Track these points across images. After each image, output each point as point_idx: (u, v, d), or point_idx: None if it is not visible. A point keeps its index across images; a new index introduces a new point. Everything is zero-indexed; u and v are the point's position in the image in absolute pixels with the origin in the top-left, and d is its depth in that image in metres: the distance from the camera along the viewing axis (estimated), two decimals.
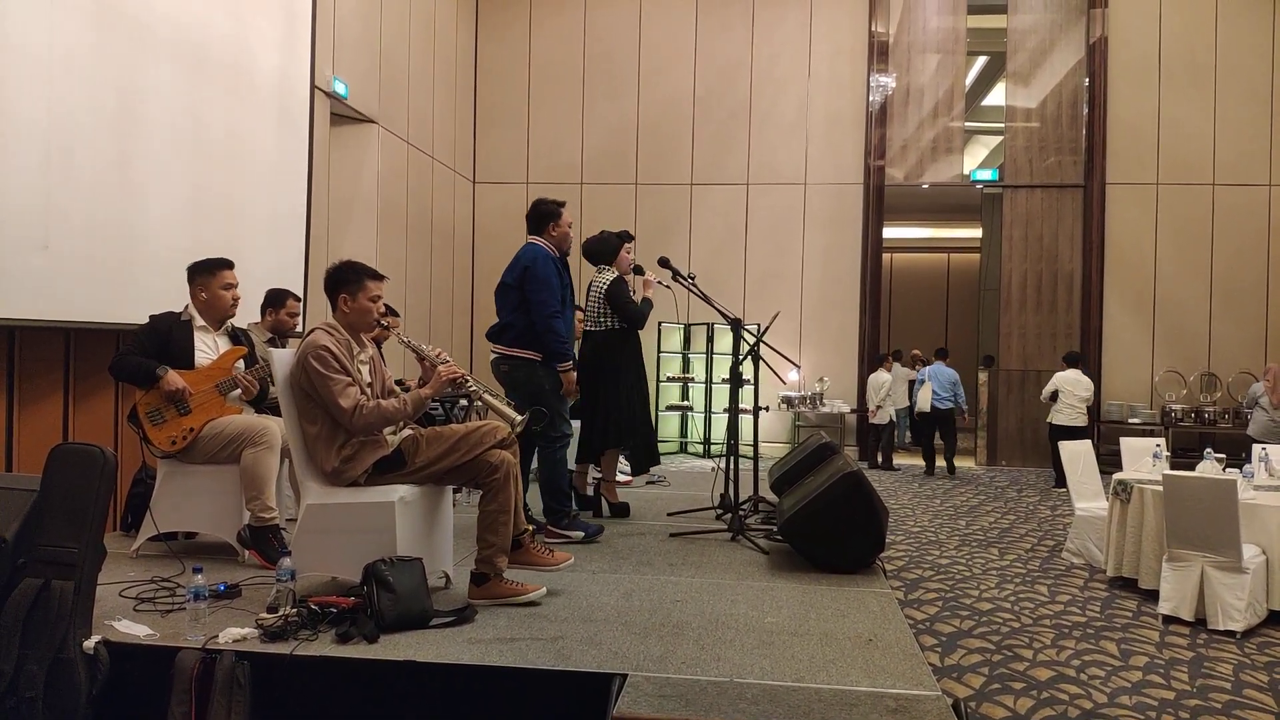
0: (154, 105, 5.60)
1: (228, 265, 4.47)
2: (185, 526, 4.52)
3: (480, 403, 3.72)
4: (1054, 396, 9.99)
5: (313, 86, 7.53)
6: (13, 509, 3.18)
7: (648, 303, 5.49)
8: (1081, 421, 9.88)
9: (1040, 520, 8.11)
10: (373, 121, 9.26)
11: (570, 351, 4.91)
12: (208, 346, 4.41)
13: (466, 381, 3.69)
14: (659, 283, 5.57)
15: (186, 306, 4.46)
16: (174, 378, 4.17)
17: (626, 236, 5.64)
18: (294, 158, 7.29)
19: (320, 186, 7.99)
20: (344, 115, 8.88)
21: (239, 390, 4.39)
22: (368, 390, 3.63)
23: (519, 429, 3.63)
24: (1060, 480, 9.79)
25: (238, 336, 4.58)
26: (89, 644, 3.00)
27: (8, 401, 5.01)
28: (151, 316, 4.43)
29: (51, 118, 4.82)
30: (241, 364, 4.46)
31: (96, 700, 2.98)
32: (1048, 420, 10.18)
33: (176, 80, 5.78)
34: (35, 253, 4.77)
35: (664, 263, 5.46)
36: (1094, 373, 11.71)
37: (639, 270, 5.60)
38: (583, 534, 4.81)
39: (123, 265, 5.40)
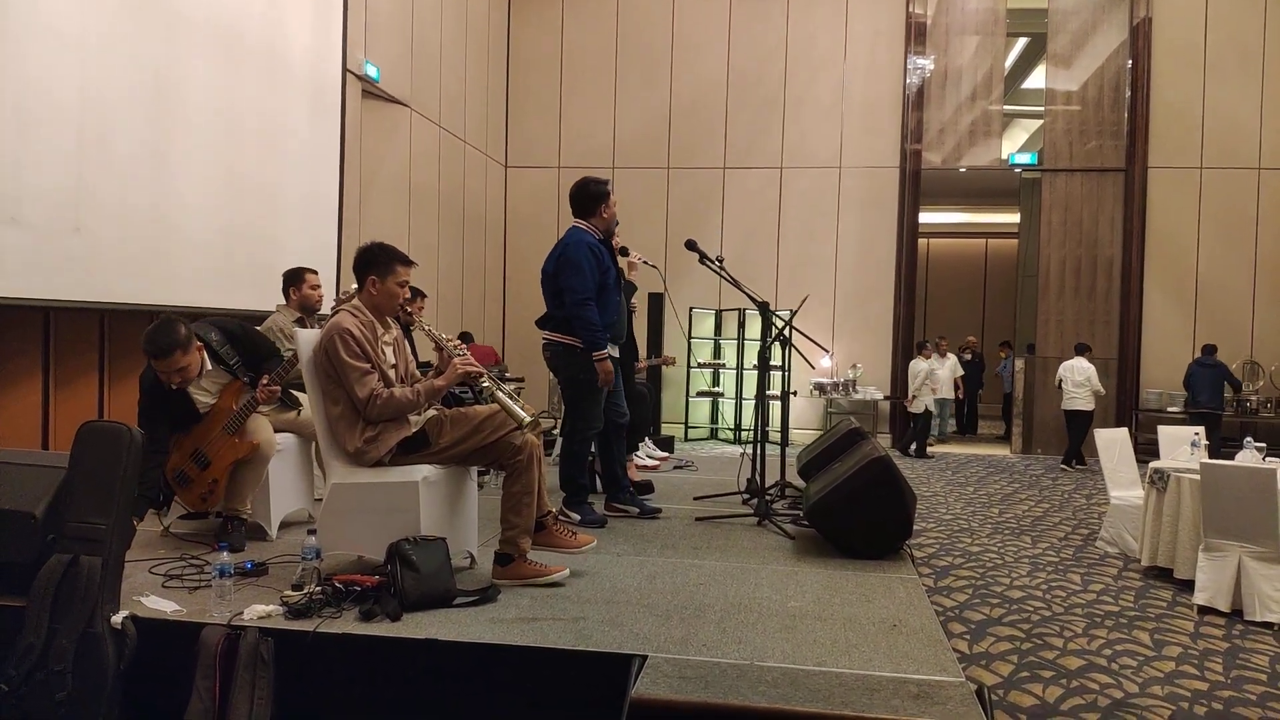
0: (187, 88, 5.64)
1: (167, 352, 3.85)
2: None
3: (492, 399, 3.69)
4: (1061, 384, 10.77)
5: (344, 70, 7.56)
6: (42, 486, 3.23)
7: (630, 285, 5.63)
8: (1080, 405, 10.55)
9: (1075, 509, 7.99)
10: (405, 105, 9.28)
11: (603, 339, 4.76)
12: (203, 390, 4.18)
13: (481, 377, 3.68)
14: (644, 262, 5.66)
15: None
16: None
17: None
18: (326, 141, 7.34)
19: (352, 169, 8.03)
20: (376, 98, 8.90)
21: (268, 406, 4.27)
22: (391, 372, 3.64)
23: (528, 428, 3.61)
24: (1068, 458, 10.72)
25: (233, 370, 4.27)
26: (117, 619, 3.03)
27: (44, 381, 5.10)
28: (140, 379, 4.13)
29: (84, 101, 4.88)
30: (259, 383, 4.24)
31: (124, 674, 3.01)
32: None
33: (210, 63, 5.82)
34: (68, 235, 4.84)
35: (690, 245, 5.39)
36: (1133, 361, 11.54)
37: (624, 252, 5.61)
38: (579, 518, 4.78)
39: (156, 247, 5.46)
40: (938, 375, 11.97)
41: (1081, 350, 10.75)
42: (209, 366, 4.14)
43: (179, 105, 5.58)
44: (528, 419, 3.61)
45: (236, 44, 6.08)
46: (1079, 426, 10.58)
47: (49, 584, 3.02)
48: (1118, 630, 4.52)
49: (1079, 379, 10.50)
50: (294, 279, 5.30)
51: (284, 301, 5.36)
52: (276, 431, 4.33)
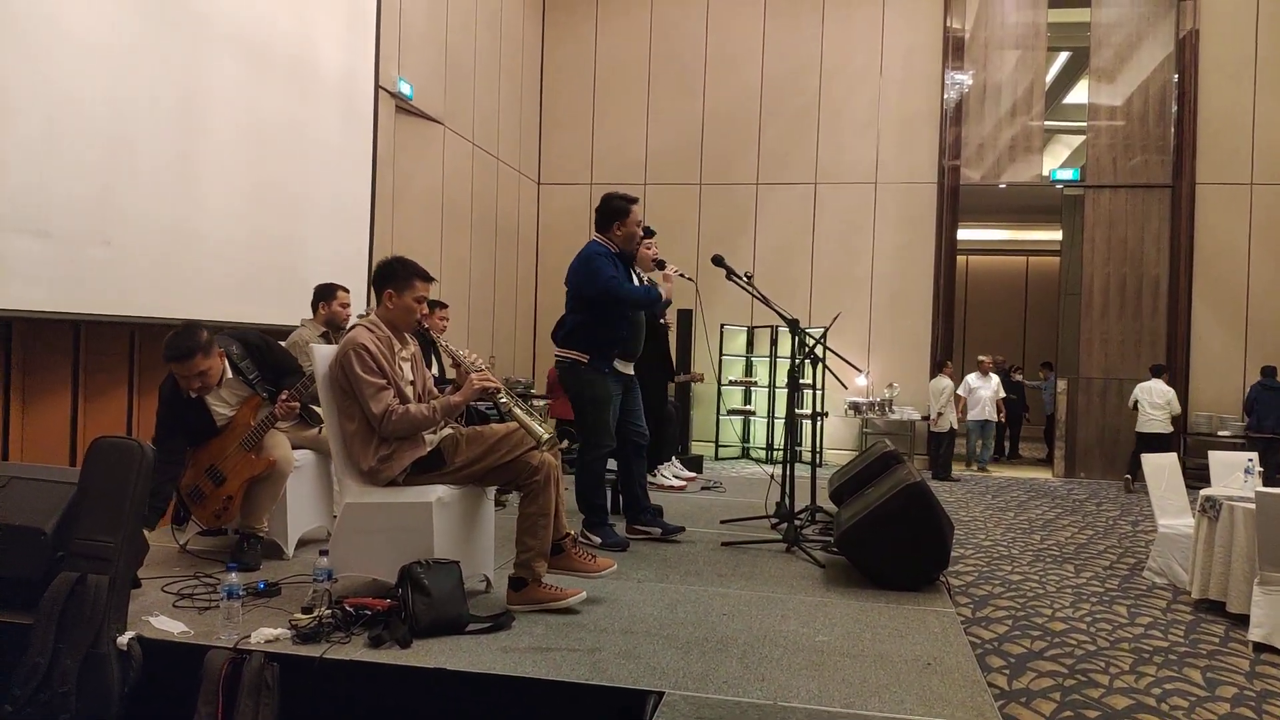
0: (216, 100, 5.63)
1: (187, 355, 3.84)
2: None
3: (510, 416, 3.58)
4: (1136, 405, 10.57)
5: (377, 86, 7.54)
6: (53, 502, 3.18)
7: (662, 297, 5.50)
8: (1158, 428, 10.36)
9: (1120, 536, 7.72)
10: (438, 122, 9.26)
11: (655, 291, 4.94)
12: (222, 402, 4.12)
13: (498, 392, 3.58)
14: (679, 274, 5.47)
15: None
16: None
17: (648, 233, 5.49)
18: (358, 156, 7.31)
19: (385, 185, 8.01)
20: (410, 115, 8.89)
21: (287, 422, 4.20)
22: (408, 389, 3.55)
23: (545, 446, 3.49)
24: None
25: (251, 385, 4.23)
26: (123, 640, 2.96)
27: (72, 395, 5.07)
28: (160, 389, 4.12)
29: (113, 112, 4.86)
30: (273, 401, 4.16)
31: (130, 697, 2.94)
32: None
33: (238, 76, 5.81)
34: (97, 247, 4.81)
35: (718, 261, 5.27)
36: (1181, 382, 11.21)
37: (660, 264, 5.47)
38: (600, 540, 4.65)
39: (184, 260, 5.43)
40: (980, 395, 11.72)
41: (1159, 372, 10.58)
42: (229, 374, 4.09)
43: (207, 118, 5.57)
44: (546, 437, 3.50)
45: (265, 57, 6.06)
46: (1156, 449, 9.98)
47: (56, 603, 2.96)
48: (1167, 667, 4.30)
49: (1158, 400, 10.34)
50: (326, 294, 5.27)
51: (311, 316, 5.32)
52: (295, 448, 4.27)
